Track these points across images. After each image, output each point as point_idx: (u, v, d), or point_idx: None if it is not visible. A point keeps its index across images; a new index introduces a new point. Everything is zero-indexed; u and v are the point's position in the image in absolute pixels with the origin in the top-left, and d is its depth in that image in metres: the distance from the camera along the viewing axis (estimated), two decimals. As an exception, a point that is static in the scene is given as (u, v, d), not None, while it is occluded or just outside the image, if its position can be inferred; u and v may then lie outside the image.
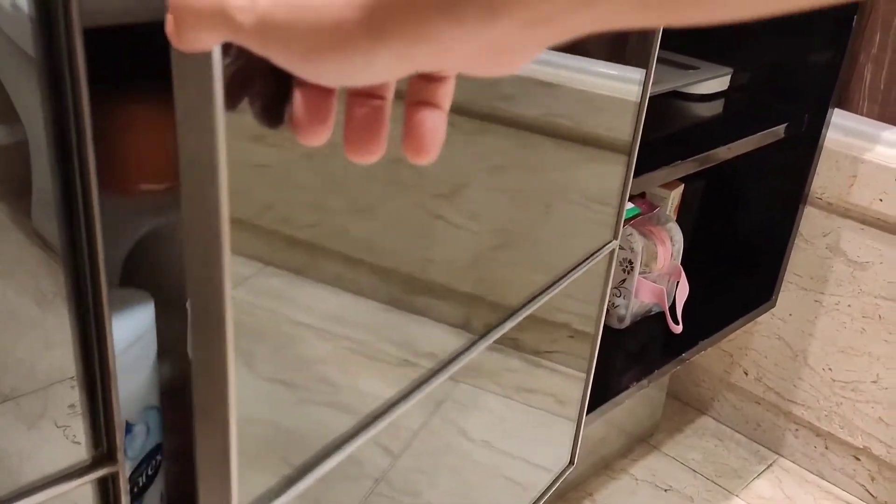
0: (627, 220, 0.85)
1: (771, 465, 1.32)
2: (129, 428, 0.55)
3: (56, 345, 0.45)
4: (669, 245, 1.06)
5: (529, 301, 0.69)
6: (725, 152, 1.05)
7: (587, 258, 0.75)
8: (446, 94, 0.29)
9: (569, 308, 0.80)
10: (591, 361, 0.86)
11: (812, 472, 1.29)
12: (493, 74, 0.25)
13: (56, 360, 0.45)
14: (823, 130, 1.09)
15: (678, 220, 1.21)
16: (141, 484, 0.58)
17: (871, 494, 1.24)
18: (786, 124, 1.10)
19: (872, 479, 1.23)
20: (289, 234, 0.44)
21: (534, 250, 0.70)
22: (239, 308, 0.40)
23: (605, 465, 1.28)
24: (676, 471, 1.29)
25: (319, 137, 0.28)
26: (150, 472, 0.58)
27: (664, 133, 1.06)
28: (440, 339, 0.61)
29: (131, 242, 0.58)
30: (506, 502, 0.83)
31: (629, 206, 0.85)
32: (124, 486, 0.48)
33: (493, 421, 0.77)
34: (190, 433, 0.61)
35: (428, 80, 0.29)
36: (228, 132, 0.30)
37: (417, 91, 0.29)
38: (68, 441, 0.46)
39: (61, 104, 0.39)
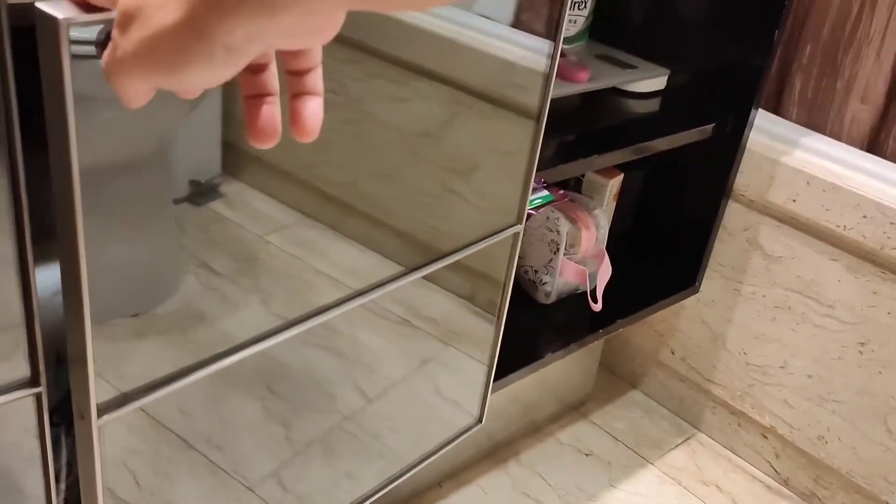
0: (543, 206, 0.95)
1: (689, 438, 1.42)
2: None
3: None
4: (594, 230, 1.15)
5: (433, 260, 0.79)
6: (655, 145, 1.14)
7: (489, 236, 0.85)
8: (316, 83, 0.35)
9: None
10: (499, 330, 0.96)
11: (725, 447, 1.40)
12: (307, 46, 0.31)
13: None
14: (746, 132, 1.18)
15: (617, 208, 1.30)
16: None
17: (775, 470, 1.35)
18: (713, 124, 1.19)
19: (777, 456, 1.34)
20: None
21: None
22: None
23: (535, 429, 1.39)
24: (600, 438, 1.40)
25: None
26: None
27: (602, 125, 1.15)
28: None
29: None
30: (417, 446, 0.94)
31: (544, 193, 0.94)
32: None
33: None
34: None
35: (297, 74, 0.34)
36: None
37: (293, 85, 0.35)
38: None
39: None
